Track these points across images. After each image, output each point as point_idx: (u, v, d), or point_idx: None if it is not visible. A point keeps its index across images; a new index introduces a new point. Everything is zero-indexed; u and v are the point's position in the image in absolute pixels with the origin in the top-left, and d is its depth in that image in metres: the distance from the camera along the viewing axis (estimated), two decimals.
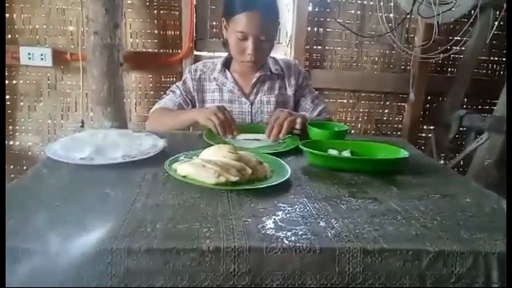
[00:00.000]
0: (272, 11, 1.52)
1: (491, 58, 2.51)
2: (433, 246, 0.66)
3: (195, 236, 0.65)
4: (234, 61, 1.60)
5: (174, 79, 2.37)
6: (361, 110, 2.53)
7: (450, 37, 2.35)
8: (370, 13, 2.38)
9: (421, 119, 2.52)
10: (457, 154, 2.38)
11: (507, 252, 0.66)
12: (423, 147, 2.45)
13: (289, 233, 0.68)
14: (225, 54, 1.65)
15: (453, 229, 0.73)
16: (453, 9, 2.07)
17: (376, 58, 2.47)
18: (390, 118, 2.56)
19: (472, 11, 2.15)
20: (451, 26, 2.37)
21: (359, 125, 2.55)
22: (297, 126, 1.31)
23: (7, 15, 2.25)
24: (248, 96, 1.59)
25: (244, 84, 1.60)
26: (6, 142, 2.39)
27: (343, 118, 2.52)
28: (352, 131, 2.42)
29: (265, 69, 1.59)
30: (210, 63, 1.65)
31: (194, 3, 2.28)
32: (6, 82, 2.33)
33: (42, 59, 2.24)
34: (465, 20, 2.22)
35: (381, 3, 2.19)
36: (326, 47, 2.45)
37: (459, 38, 2.32)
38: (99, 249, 0.60)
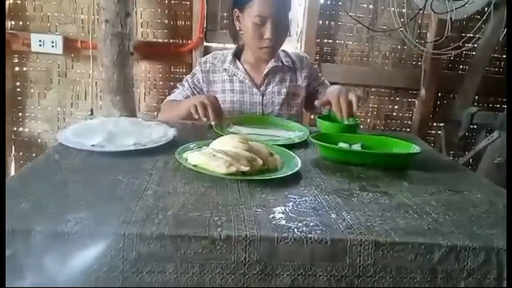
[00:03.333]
0: None
1: (504, 56, 2.48)
2: (445, 241, 0.65)
3: (207, 224, 0.65)
4: (249, 50, 1.59)
5: (184, 69, 2.37)
6: (370, 105, 2.52)
7: (463, 34, 2.33)
8: (382, 7, 2.36)
9: (431, 115, 2.50)
10: (466, 152, 2.36)
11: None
12: (432, 144, 2.43)
13: (300, 224, 0.67)
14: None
15: (465, 225, 0.73)
16: (466, 5, 2.05)
17: (387, 53, 2.45)
18: (400, 114, 2.54)
19: (486, 8, 2.13)
20: (464, 22, 2.34)
21: (369, 120, 2.54)
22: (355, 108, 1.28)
23: (18, 2, 2.25)
24: (259, 87, 1.59)
25: (255, 75, 1.60)
26: (15, 128, 2.41)
27: None
28: (362, 127, 2.40)
29: (276, 60, 1.59)
30: (220, 54, 1.65)
31: None
32: (17, 69, 2.34)
33: (52, 46, 2.24)
34: (478, 17, 2.20)
35: None
36: (337, 41, 2.43)
37: (471, 35, 2.31)
38: (111, 234, 0.60)
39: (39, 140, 2.44)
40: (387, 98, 2.51)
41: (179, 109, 1.45)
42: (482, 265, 0.65)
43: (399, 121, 2.55)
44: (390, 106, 2.53)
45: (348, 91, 1.31)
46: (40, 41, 2.24)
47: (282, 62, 1.60)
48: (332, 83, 1.71)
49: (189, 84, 1.59)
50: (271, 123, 1.40)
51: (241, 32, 1.56)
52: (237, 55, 1.62)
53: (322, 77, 1.71)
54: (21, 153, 2.44)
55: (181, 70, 2.40)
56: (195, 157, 0.90)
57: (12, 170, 2.43)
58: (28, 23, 2.28)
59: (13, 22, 2.27)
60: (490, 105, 2.50)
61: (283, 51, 1.65)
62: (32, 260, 0.60)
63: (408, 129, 2.53)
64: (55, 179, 0.81)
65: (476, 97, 2.43)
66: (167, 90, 2.41)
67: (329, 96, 1.33)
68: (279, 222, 0.68)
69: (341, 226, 0.68)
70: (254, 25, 1.46)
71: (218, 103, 1.34)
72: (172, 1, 2.32)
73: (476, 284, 0.65)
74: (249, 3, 1.46)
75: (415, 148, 1.07)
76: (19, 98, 2.37)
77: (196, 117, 1.29)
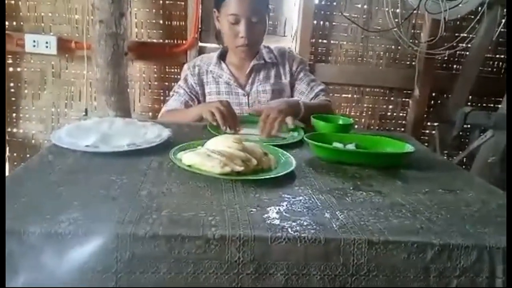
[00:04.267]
0: None
1: (497, 55, 2.49)
2: (438, 239, 0.66)
3: (201, 224, 0.65)
4: (229, 50, 1.61)
5: (178, 69, 2.36)
6: (365, 105, 2.52)
7: (456, 34, 2.34)
8: (376, 7, 2.37)
9: (425, 115, 2.51)
10: (460, 152, 2.37)
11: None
12: (426, 144, 2.44)
13: (293, 224, 0.68)
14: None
15: (458, 223, 0.73)
16: (460, 5, 2.06)
17: (382, 53, 2.46)
18: (394, 114, 2.55)
19: (479, 8, 2.14)
20: (458, 22, 2.35)
21: (363, 120, 2.55)
22: (290, 126, 1.28)
23: (12, 2, 2.24)
24: (244, 87, 1.59)
25: (239, 75, 1.61)
26: (9, 129, 2.40)
27: (347, 112, 2.51)
28: (356, 126, 2.41)
29: (259, 58, 1.60)
30: (206, 57, 1.67)
31: None
32: (11, 69, 2.33)
33: (47, 47, 2.24)
34: (472, 17, 2.21)
35: None
36: (332, 41, 2.43)
37: (465, 35, 2.32)
38: (105, 234, 0.60)
39: (33, 140, 2.43)
40: (381, 98, 2.52)
41: (187, 117, 1.43)
42: (474, 264, 0.66)
43: (393, 121, 2.56)
44: (385, 106, 2.53)
45: (275, 115, 1.26)
46: (34, 41, 2.23)
47: (264, 59, 1.60)
48: (326, 83, 1.72)
49: (184, 90, 1.59)
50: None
51: (221, 32, 1.57)
52: (222, 56, 1.63)
53: (307, 70, 1.70)
54: (15, 154, 2.43)
55: (175, 70, 2.39)
56: (190, 157, 0.90)
57: (6, 170, 2.42)
58: (22, 23, 2.27)
59: (7, 23, 2.26)
60: (484, 105, 2.52)
61: (267, 47, 1.65)
62: (26, 261, 0.60)
63: (402, 129, 2.54)
64: (49, 179, 0.80)
65: (470, 97, 2.44)
66: (161, 91, 2.41)
67: (266, 107, 1.32)
68: (273, 221, 0.68)
69: (334, 226, 0.68)
70: (229, 24, 1.47)
71: (233, 109, 1.31)
72: (167, 2, 2.31)
73: (468, 283, 0.66)
74: (224, 2, 1.47)
75: (409, 148, 1.07)
76: (13, 99, 2.36)
77: (214, 123, 1.27)
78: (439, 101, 2.53)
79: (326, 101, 1.58)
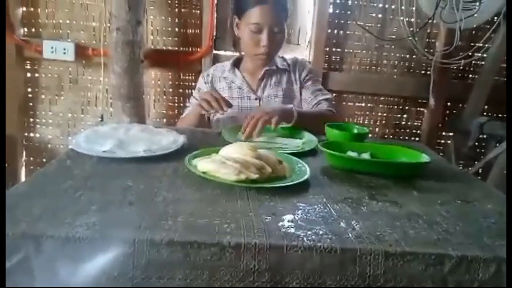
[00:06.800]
0: (282, 5, 1.58)
1: None
2: (456, 251, 0.65)
3: (216, 231, 0.65)
4: (246, 57, 1.65)
5: (193, 77, 2.38)
6: (379, 114, 2.50)
7: (472, 43, 2.32)
8: (391, 17, 2.36)
9: (440, 125, 2.48)
10: (476, 162, 2.34)
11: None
12: (441, 154, 2.41)
13: (309, 232, 0.67)
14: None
15: (476, 235, 0.72)
16: (475, 15, 2.04)
17: (396, 62, 2.44)
18: (409, 123, 2.53)
19: (495, 18, 2.12)
20: (473, 32, 2.33)
21: (377, 129, 2.53)
22: (272, 126, 1.27)
23: (31, 9, 2.29)
24: (256, 91, 1.62)
25: (252, 81, 1.65)
26: (26, 134, 2.43)
27: (361, 121, 2.50)
28: (370, 135, 2.40)
29: (271, 64, 1.62)
30: (220, 65, 1.73)
31: (215, 2, 2.28)
32: (29, 75, 2.37)
33: (64, 53, 2.27)
34: (488, 26, 2.19)
35: (403, 7, 2.17)
36: (346, 50, 2.43)
37: (481, 44, 2.29)
38: (122, 239, 0.61)
39: (49, 145, 2.45)
40: (395, 107, 2.50)
41: (190, 119, 1.49)
42: (493, 276, 0.65)
43: (407, 130, 2.54)
44: (399, 115, 2.51)
45: (260, 115, 1.27)
46: (52, 48, 2.26)
47: (276, 65, 1.63)
48: (340, 92, 1.72)
49: (196, 100, 1.62)
50: (280, 131, 1.40)
51: (240, 38, 1.61)
52: (236, 64, 1.67)
53: (316, 79, 1.71)
54: (31, 158, 2.46)
55: (190, 77, 2.41)
56: (205, 164, 0.91)
57: (22, 174, 2.45)
58: (40, 30, 2.31)
59: (26, 29, 2.30)
60: (500, 115, 2.48)
61: (281, 57, 1.70)
62: (43, 265, 0.60)
63: (417, 139, 2.52)
64: (67, 184, 0.81)
65: (486, 106, 2.41)
66: (176, 98, 2.43)
67: (255, 111, 1.33)
68: (288, 230, 0.68)
69: (350, 235, 0.68)
70: (250, 32, 1.50)
71: (218, 94, 1.38)
72: (183, 10, 2.33)
73: None
74: (247, 10, 1.50)
75: (425, 157, 1.06)
76: (30, 104, 2.39)
77: (203, 112, 1.36)
78: (454, 111, 2.50)
79: (327, 110, 1.57)
